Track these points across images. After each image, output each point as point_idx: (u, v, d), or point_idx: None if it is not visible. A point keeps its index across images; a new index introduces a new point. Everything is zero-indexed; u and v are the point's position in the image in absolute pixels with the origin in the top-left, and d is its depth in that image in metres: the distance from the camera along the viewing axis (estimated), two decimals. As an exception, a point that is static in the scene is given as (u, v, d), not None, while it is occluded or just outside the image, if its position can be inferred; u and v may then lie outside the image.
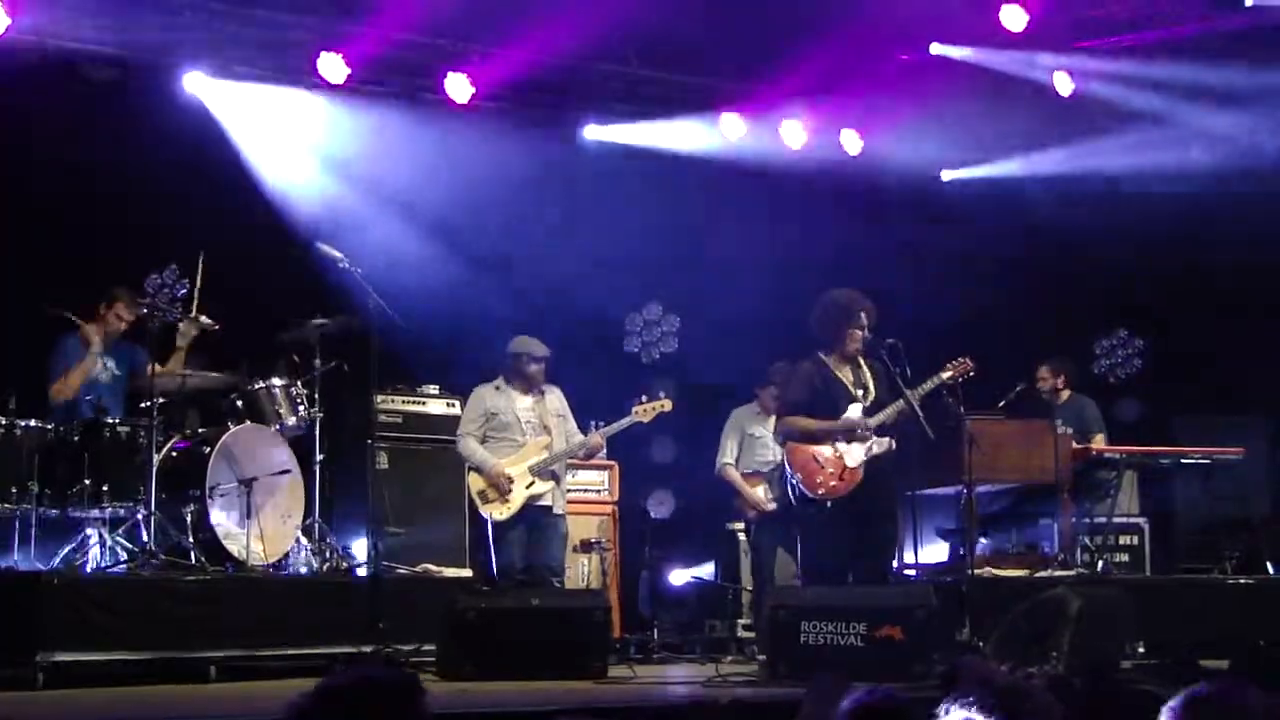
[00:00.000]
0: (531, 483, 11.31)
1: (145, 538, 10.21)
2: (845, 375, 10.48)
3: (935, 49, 13.82)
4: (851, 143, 15.04)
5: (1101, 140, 14.69)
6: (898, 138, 14.88)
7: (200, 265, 11.35)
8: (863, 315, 10.38)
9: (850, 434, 10.31)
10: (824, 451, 10.32)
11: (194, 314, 11.28)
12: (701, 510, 14.05)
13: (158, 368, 10.76)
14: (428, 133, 13.48)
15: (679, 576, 13.71)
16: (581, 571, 12.60)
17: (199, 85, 12.83)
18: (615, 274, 14.23)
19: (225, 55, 12.78)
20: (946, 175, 15.97)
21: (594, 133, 14.57)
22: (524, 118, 14.01)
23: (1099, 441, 13.13)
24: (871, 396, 10.42)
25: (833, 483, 10.25)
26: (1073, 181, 15.03)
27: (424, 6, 12.35)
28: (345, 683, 3.41)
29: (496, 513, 11.27)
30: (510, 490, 11.26)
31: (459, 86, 13.34)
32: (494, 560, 11.31)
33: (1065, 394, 13.69)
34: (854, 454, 10.29)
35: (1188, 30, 13.37)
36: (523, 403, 11.52)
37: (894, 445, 10.38)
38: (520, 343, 11.55)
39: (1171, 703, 3.95)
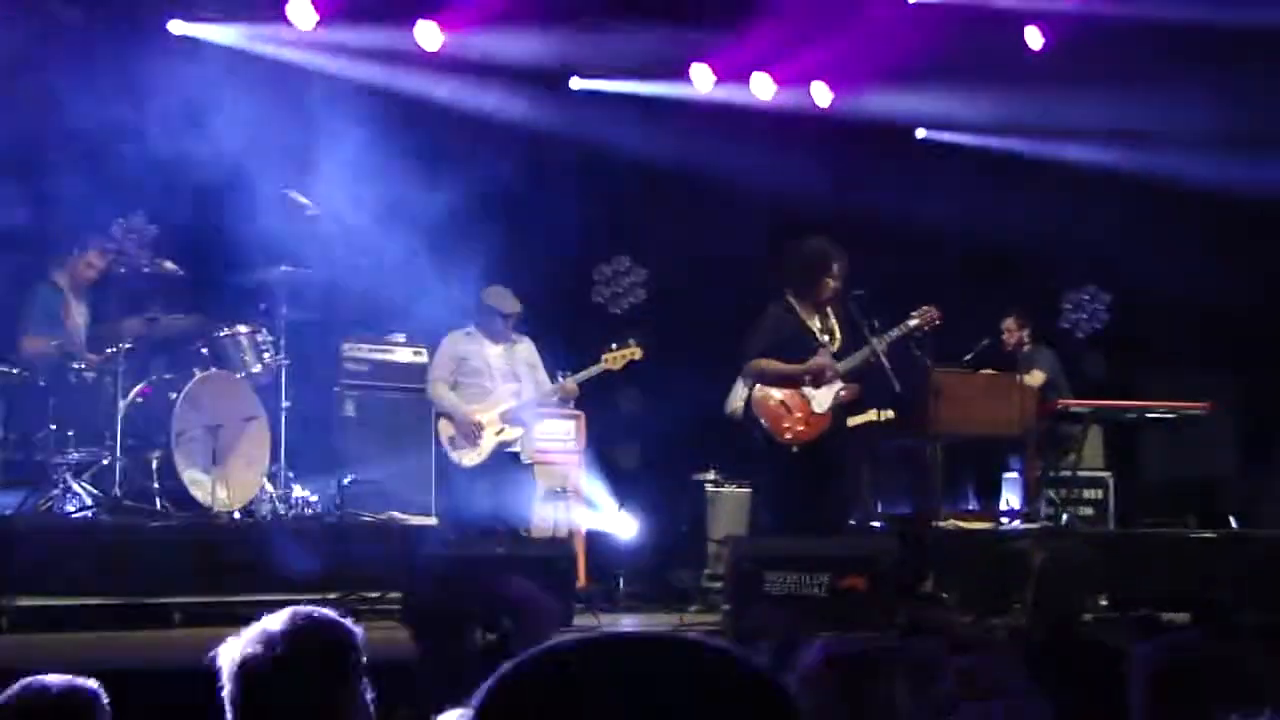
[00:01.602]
0: (501, 429, 11.30)
1: (111, 483, 10.19)
2: (813, 322, 10.49)
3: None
4: (822, 95, 15.00)
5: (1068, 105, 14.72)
6: (870, 91, 14.86)
7: None
8: (835, 264, 10.39)
9: (817, 380, 10.32)
10: (791, 397, 10.33)
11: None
12: (668, 460, 14.06)
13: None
14: (402, 74, 13.42)
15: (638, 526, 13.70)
16: (549, 520, 12.58)
17: (167, 26, 12.71)
18: (585, 224, 14.20)
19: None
20: (921, 134, 15.93)
21: (577, 84, 14.51)
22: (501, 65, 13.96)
23: (1035, 380, 13.12)
24: (838, 344, 10.44)
25: (799, 428, 10.27)
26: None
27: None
28: (279, 628, 3.44)
29: (466, 459, 11.26)
30: (480, 436, 11.26)
31: (429, 34, 13.30)
32: (461, 508, 11.31)
33: (1028, 346, 13.72)
34: (821, 400, 10.31)
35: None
36: (493, 350, 11.50)
37: (860, 392, 10.40)
38: (492, 295, 11.52)
39: (1143, 652, 3.97)
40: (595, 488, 13.25)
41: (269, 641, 3.41)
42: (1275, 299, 14.52)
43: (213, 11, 12.84)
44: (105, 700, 3.79)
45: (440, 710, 3.44)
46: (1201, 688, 3.75)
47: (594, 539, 13.01)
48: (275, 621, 3.47)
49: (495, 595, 5.14)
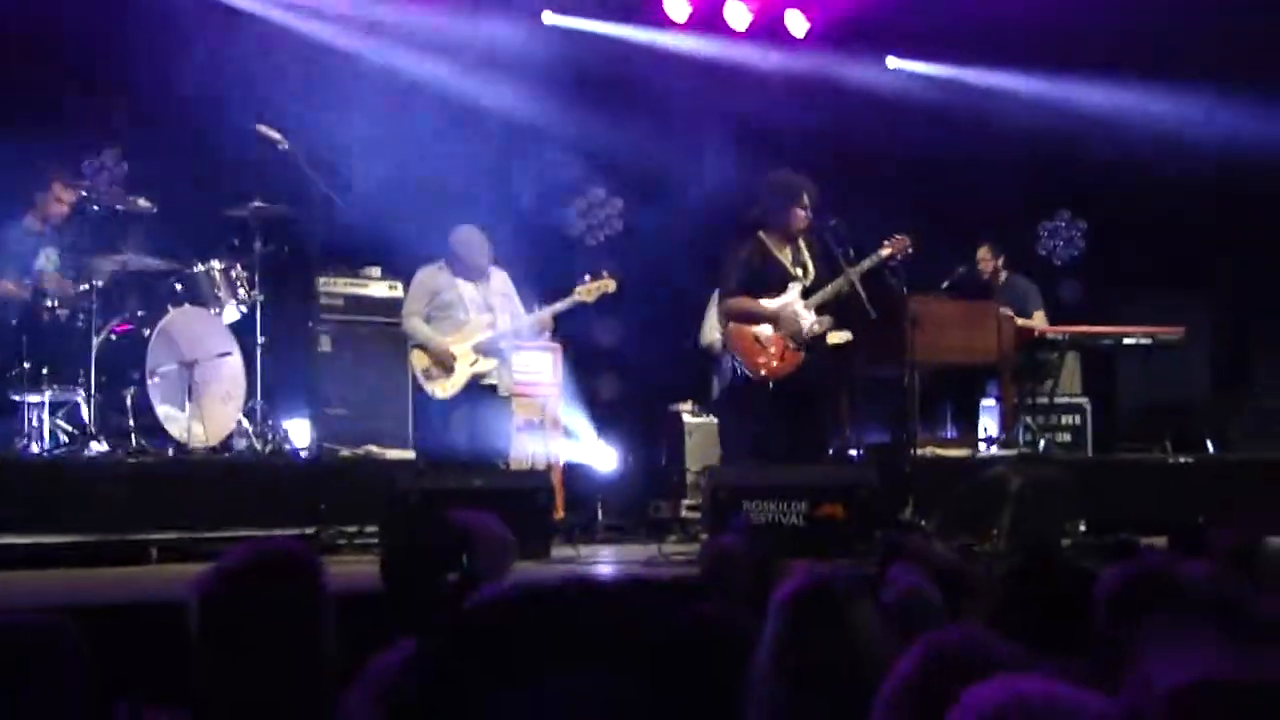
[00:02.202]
0: (475, 360, 11.27)
1: (85, 420, 10.17)
2: (785, 255, 10.44)
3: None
4: (797, 24, 14.96)
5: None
6: (843, 22, 14.83)
7: None
8: (805, 195, 10.35)
9: (788, 321, 10.29)
10: (765, 332, 10.31)
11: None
12: (646, 392, 14.07)
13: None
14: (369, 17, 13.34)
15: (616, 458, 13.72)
16: (526, 453, 12.58)
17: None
18: (557, 157, 14.15)
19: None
20: (892, 64, 15.88)
21: (550, 19, 14.44)
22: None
23: (1039, 320, 13.17)
24: (811, 276, 10.41)
25: (774, 363, 10.26)
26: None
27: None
28: (241, 561, 3.45)
29: (440, 390, 11.23)
30: (454, 368, 11.23)
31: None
32: (438, 441, 11.30)
33: (1004, 275, 13.71)
34: (794, 335, 10.29)
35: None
36: (466, 283, 11.45)
37: (831, 322, 10.39)
38: (461, 240, 11.42)
39: (1107, 575, 3.99)
40: (573, 419, 13.26)
41: (229, 574, 3.41)
42: (1245, 225, 14.53)
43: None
44: (75, 636, 3.77)
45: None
46: (1164, 606, 3.77)
47: (572, 471, 13.02)
48: (236, 554, 3.47)
49: (453, 529, 5.12)
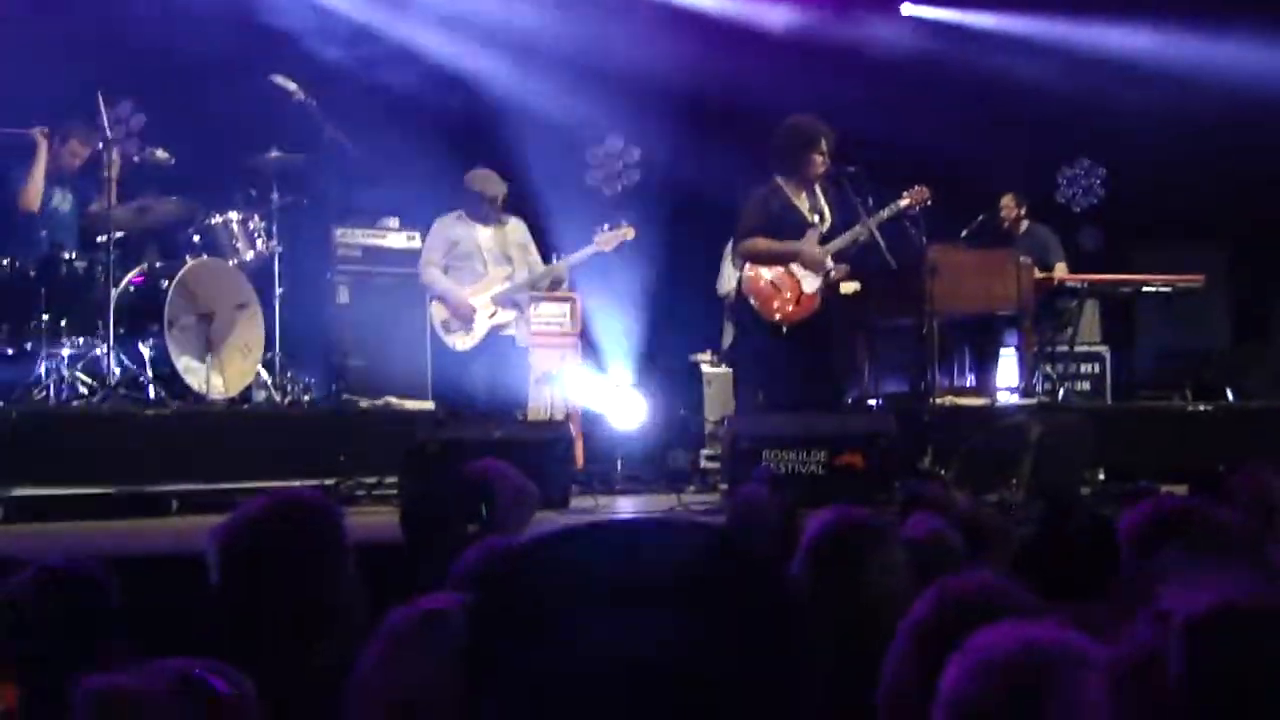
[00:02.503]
0: (494, 312, 11.27)
1: (105, 372, 10.19)
2: (801, 201, 10.38)
3: None
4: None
5: None
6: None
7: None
8: (823, 141, 10.28)
9: (806, 264, 10.26)
10: (781, 277, 10.28)
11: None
12: (664, 342, 14.06)
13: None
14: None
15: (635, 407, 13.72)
16: (544, 403, 12.59)
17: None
18: (577, 107, 14.13)
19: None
20: (906, 10, 15.83)
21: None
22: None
23: (1060, 270, 13.14)
24: (828, 223, 10.36)
25: (789, 308, 10.22)
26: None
27: None
28: (260, 511, 3.44)
29: (459, 342, 11.24)
30: (473, 319, 11.23)
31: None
32: (456, 392, 11.31)
33: (1025, 224, 13.68)
34: (811, 279, 10.26)
35: None
36: (484, 233, 11.43)
37: (848, 269, 10.36)
38: (476, 179, 11.43)
39: (1126, 515, 3.97)
40: (590, 369, 13.25)
41: (249, 523, 3.41)
42: (1268, 175, 14.45)
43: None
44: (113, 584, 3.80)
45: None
46: (1182, 542, 3.76)
47: (590, 421, 13.02)
48: (255, 504, 3.46)
49: (473, 480, 5.12)
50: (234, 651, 3.41)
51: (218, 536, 3.47)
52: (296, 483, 9.55)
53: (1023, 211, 13.71)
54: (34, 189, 10.81)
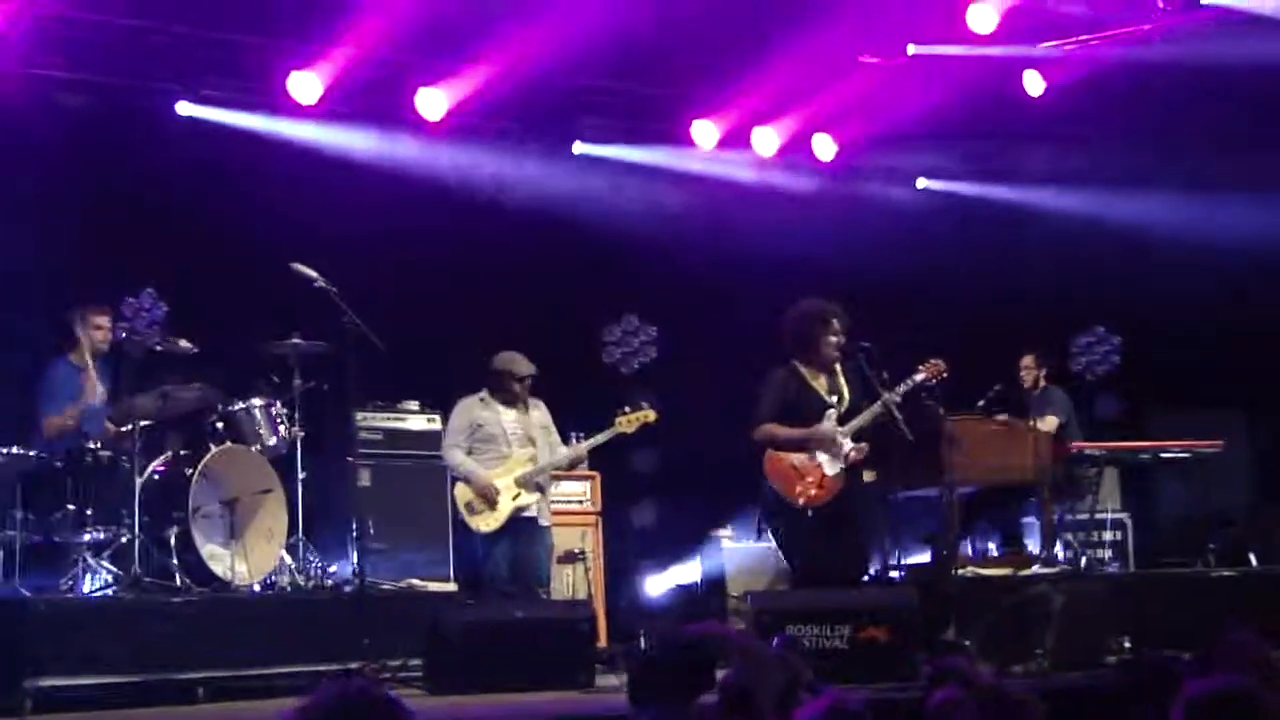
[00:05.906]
0: (518, 494, 11.31)
1: (130, 561, 10.22)
2: (820, 384, 10.39)
3: (912, 50, 13.76)
4: (825, 149, 15.08)
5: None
6: (871, 144, 14.99)
7: None
8: (834, 321, 10.33)
9: (823, 448, 10.25)
10: (802, 460, 10.28)
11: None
12: (686, 518, 14.07)
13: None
14: (401, 149, 13.54)
15: (657, 584, 13.72)
16: (566, 582, 12.59)
17: (172, 109, 12.82)
18: (593, 284, 14.29)
19: (195, 80, 12.80)
20: (921, 184, 16.05)
21: (580, 148, 14.64)
22: (504, 132, 14.13)
23: (1048, 425, 13.15)
24: (846, 403, 10.34)
25: (812, 491, 10.18)
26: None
27: (390, 24, 12.37)
28: (326, 703, 3.43)
29: (484, 524, 11.27)
30: (497, 501, 11.27)
31: (432, 102, 13.43)
32: (479, 572, 11.34)
33: (1043, 385, 13.78)
34: (831, 462, 10.24)
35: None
36: (508, 415, 11.51)
37: (867, 449, 10.31)
38: (505, 360, 11.53)
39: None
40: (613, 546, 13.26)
41: (311, 715, 3.38)
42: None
43: (218, 91, 12.94)
44: None
45: None
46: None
47: (613, 598, 13.02)
48: (319, 696, 3.44)
49: (700, 646, 5.04)
50: None
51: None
52: (322, 667, 9.61)
53: (1043, 373, 13.81)
54: (66, 422, 10.92)
